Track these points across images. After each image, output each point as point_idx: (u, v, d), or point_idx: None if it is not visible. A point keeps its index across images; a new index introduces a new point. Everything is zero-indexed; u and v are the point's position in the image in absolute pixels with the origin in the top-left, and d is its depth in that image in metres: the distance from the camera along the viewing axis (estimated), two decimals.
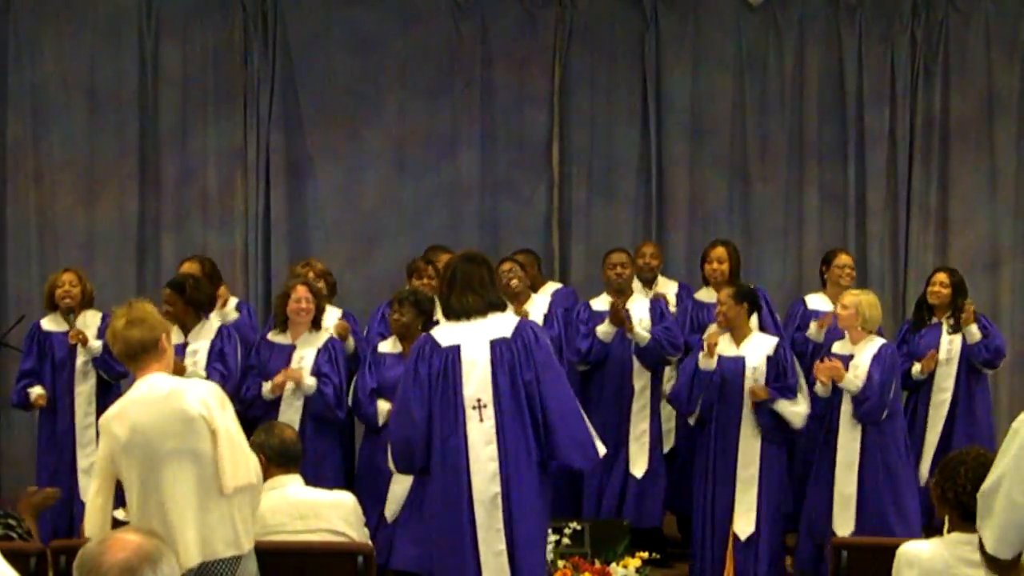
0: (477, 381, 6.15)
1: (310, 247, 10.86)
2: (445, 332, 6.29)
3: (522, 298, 9.01)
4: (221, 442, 5.18)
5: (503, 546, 6.09)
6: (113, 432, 5.24)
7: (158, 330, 5.35)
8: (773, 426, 8.40)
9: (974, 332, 8.98)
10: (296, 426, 7.97)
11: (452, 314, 6.30)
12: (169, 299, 8.40)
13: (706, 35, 11.04)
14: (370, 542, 6.05)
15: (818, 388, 8.45)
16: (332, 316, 8.99)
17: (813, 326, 9.19)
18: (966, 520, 4.62)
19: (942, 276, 9.18)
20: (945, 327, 9.09)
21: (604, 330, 9.02)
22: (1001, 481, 4.11)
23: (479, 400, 6.13)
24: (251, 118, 10.84)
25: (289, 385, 8.32)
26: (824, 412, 8.54)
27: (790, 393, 8.41)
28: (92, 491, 5.33)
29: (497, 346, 6.19)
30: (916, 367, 8.99)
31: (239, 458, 5.24)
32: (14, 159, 10.81)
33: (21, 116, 10.78)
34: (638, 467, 9.11)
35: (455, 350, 6.19)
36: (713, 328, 8.67)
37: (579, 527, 8.27)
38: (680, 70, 11.02)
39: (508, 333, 6.23)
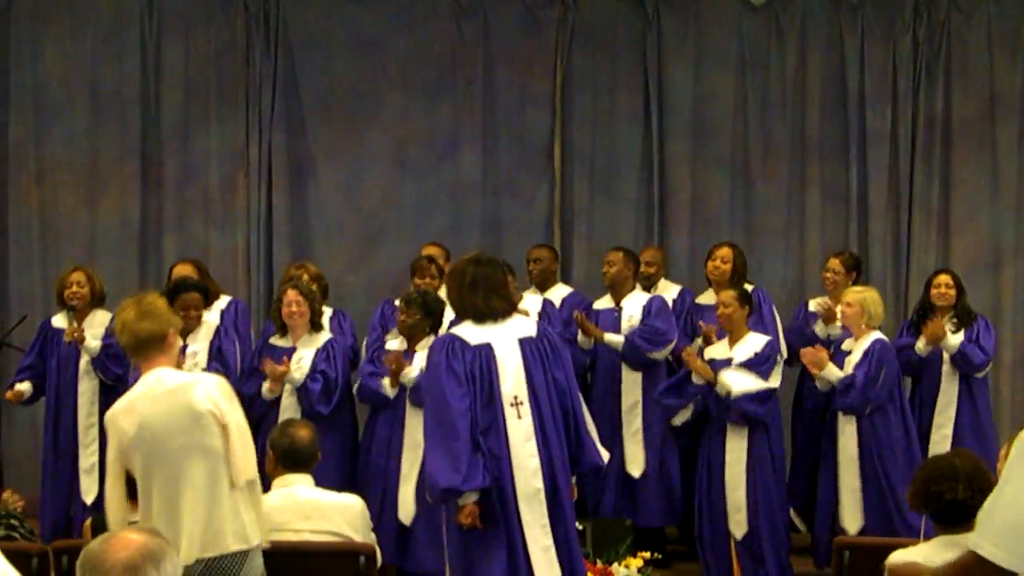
0: (513, 379, 6.14)
1: (312, 247, 10.87)
2: (471, 331, 6.23)
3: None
4: (233, 436, 5.22)
5: (550, 541, 6.07)
6: (121, 427, 5.27)
7: (167, 324, 5.39)
8: (745, 420, 8.42)
9: (951, 345, 9.01)
10: None
11: (478, 316, 6.24)
12: (197, 304, 8.47)
13: (708, 35, 11.04)
14: (376, 546, 6.06)
15: (818, 382, 8.51)
16: (324, 317, 9.05)
17: (820, 325, 9.26)
18: (941, 524, 4.65)
19: (946, 278, 9.23)
20: (949, 328, 9.11)
21: (581, 338, 9.16)
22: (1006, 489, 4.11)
23: (516, 397, 6.12)
24: (253, 118, 10.84)
25: (288, 386, 8.38)
26: (824, 406, 8.65)
27: (744, 369, 8.39)
28: (108, 486, 5.35)
29: (526, 344, 6.20)
30: (920, 342, 9.01)
31: (248, 452, 5.28)
32: (16, 159, 10.83)
33: (23, 116, 10.80)
34: (635, 466, 9.12)
35: (487, 348, 6.16)
36: (694, 345, 8.71)
37: (581, 527, 8.26)
38: (682, 70, 11.01)
39: (533, 333, 6.26)
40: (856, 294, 8.63)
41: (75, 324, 8.92)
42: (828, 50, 11.01)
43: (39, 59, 10.79)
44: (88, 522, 5.88)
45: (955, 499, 4.65)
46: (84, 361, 9.03)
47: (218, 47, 10.90)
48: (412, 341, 8.51)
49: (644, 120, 11.01)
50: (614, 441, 8.99)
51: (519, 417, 6.11)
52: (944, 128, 10.95)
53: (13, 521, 6.05)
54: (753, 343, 8.56)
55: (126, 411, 5.30)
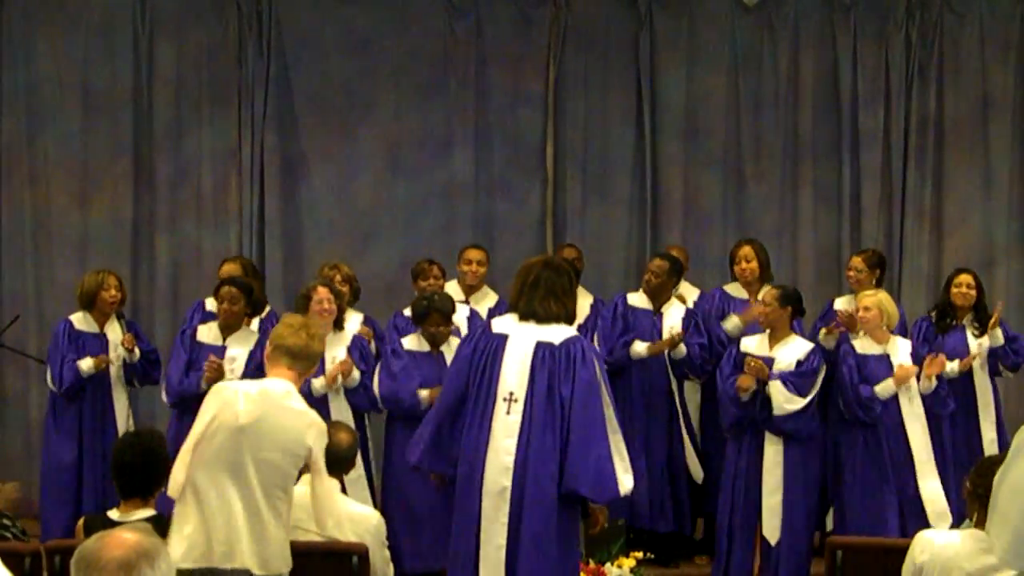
0: (515, 375, 6.15)
1: (304, 247, 10.86)
2: (503, 322, 6.35)
3: None
4: (323, 481, 5.45)
5: (503, 541, 6.06)
6: (236, 408, 5.34)
7: (321, 354, 5.72)
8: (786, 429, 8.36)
9: (998, 335, 8.99)
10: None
11: (525, 314, 6.29)
12: (235, 298, 8.46)
13: (700, 35, 11.04)
14: (390, 562, 6.09)
15: (885, 388, 8.33)
16: (355, 321, 9.00)
17: (822, 333, 9.17)
18: None
19: (968, 277, 9.14)
20: (970, 330, 9.05)
21: (637, 351, 9.03)
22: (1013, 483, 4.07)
23: (511, 394, 6.13)
24: (245, 118, 10.82)
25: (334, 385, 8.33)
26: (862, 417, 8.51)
27: (791, 386, 8.31)
28: (184, 449, 5.40)
29: (542, 349, 6.18)
30: (951, 365, 8.85)
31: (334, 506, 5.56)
32: (8, 159, 10.79)
33: (15, 116, 10.76)
34: (697, 473, 9.16)
35: (502, 339, 6.23)
36: (745, 379, 8.38)
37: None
38: (674, 70, 11.02)
39: (557, 341, 6.22)
40: (871, 298, 8.52)
41: (127, 333, 8.98)
42: (821, 50, 11.02)
43: (31, 59, 10.76)
44: (81, 522, 5.85)
45: None
46: (115, 368, 9.00)
47: (210, 47, 10.88)
48: (436, 347, 8.47)
49: (637, 120, 11.01)
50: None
51: (508, 413, 6.12)
52: (936, 128, 10.97)
53: (5, 521, 6.03)
54: (796, 349, 8.41)
55: (252, 400, 5.38)
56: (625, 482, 6.19)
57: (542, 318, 6.25)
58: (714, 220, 10.98)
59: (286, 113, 10.91)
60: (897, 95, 10.94)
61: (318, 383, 8.26)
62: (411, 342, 8.54)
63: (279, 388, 5.44)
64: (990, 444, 8.91)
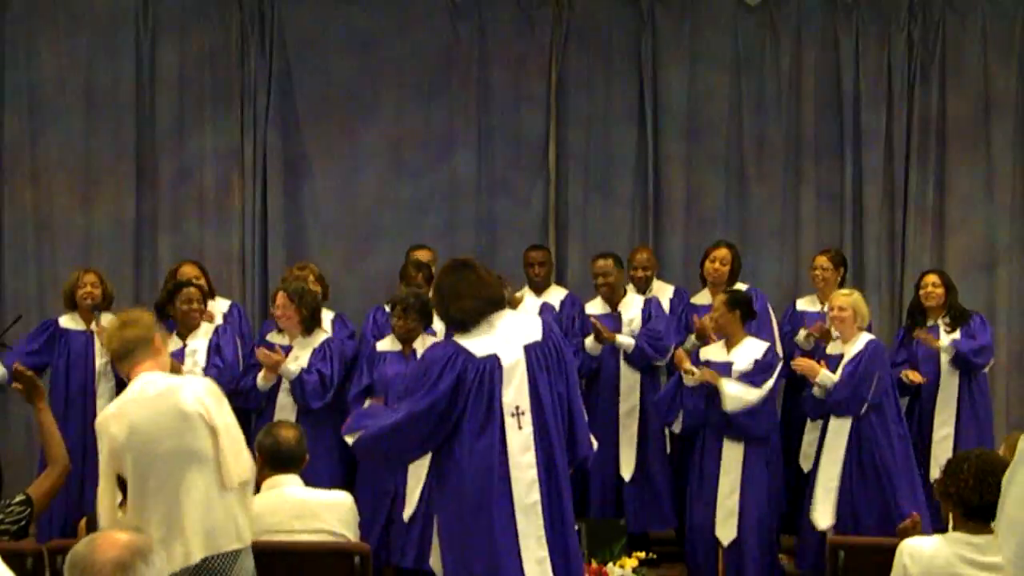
0: (516, 388, 5.95)
1: (307, 247, 10.86)
2: (476, 343, 5.98)
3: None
4: (222, 438, 5.25)
5: (545, 553, 5.93)
6: (111, 432, 5.27)
7: (152, 330, 5.47)
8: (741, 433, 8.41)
9: (946, 347, 9.07)
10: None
11: (459, 326, 6.04)
12: (197, 298, 8.63)
13: (703, 35, 11.04)
14: (363, 543, 6.05)
15: (816, 391, 8.49)
16: (325, 318, 9.05)
17: (802, 333, 9.25)
18: (969, 518, 4.64)
19: (933, 277, 9.28)
20: (943, 328, 9.09)
21: (591, 344, 9.18)
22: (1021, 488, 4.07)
23: (517, 407, 5.95)
24: (248, 118, 10.83)
25: (284, 382, 8.42)
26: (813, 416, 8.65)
27: (744, 379, 8.37)
28: (100, 490, 5.33)
29: (532, 351, 6.00)
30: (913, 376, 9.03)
31: (240, 453, 5.31)
32: (11, 160, 10.80)
33: (18, 117, 10.77)
34: (627, 470, 9.14)
35: (493, 360, 5.94)
36: (682, 349, 8.73)
37: (576, 527, 8.25)
38: (677, 70, 11.01)
39: (539, 336, 6.05)
40: (846, 297, 8.62)
41: (101, 324, 8.96)
42: (823, 50, 11.02)
43: (34, 59, 10.77)
44: (83, 521, 5.86)
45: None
46: (101, 363, 9.03)
47: (213, 47, 10.89)
48: (408, 344, 8.52)
49: (639, 120, 11.01)
50: (611, 444, 9.04)
51: (519, 428, 5.93)
52: (939, 128, 10.97)
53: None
54: (753, 349, 8.53)
55: (116, 416, 5.31)
56: (593, 441, 6.27)
57: (468, 322, 5.99)
58: (716, 220, 10.97)
59: (288, 113, 10.91)
60: (899, 95, 10.93)
61: (260, 377, 8.51)
62: (385, 343, 8.67)
63: (133, 390, 5.36)
64: (943, 440, 8.95)
